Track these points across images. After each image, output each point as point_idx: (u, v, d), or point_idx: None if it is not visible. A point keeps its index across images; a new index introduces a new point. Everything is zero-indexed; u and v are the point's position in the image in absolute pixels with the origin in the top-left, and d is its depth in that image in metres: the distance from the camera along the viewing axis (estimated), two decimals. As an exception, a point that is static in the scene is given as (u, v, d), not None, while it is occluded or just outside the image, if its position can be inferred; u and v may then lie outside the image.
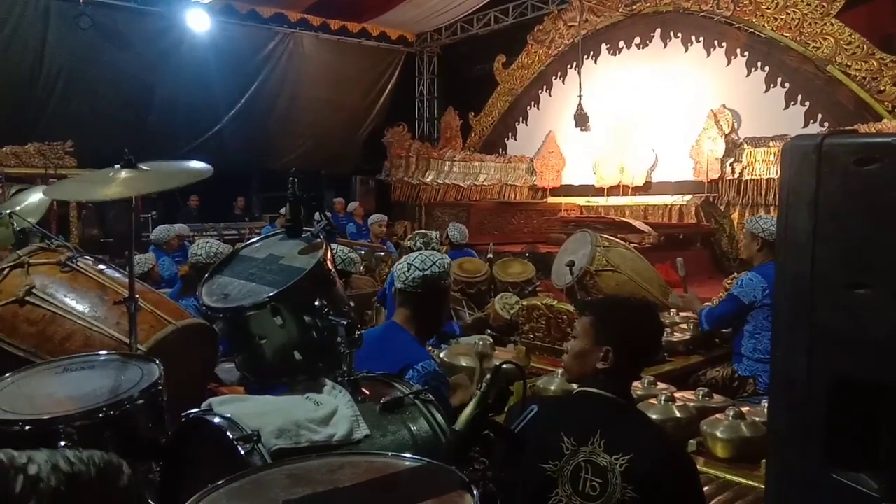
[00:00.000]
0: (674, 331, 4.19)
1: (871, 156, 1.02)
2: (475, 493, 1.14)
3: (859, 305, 1.04)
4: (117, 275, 2.84)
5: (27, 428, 1.58)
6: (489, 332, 4.66)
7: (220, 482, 1.20)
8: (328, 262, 1.92)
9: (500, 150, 13.70)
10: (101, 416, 1.63)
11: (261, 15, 12.28)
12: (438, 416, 1.75)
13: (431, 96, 15.33)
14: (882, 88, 8.42)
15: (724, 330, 4.05)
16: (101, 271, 2.76)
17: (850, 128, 6.74)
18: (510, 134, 13.70)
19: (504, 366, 1.33)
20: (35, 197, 3.77)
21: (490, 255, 5.94)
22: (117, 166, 2.13)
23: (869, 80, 8.52)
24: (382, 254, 7.63)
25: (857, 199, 1.04)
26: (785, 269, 1.14)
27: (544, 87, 12.96)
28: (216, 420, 1.55)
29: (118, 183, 2.06)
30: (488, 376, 1.29)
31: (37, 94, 10.49)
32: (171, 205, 11.05)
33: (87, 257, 2.82)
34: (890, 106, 8.35)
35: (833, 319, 1.08)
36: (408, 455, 1.29)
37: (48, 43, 10.31)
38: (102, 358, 1.98)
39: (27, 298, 2.54)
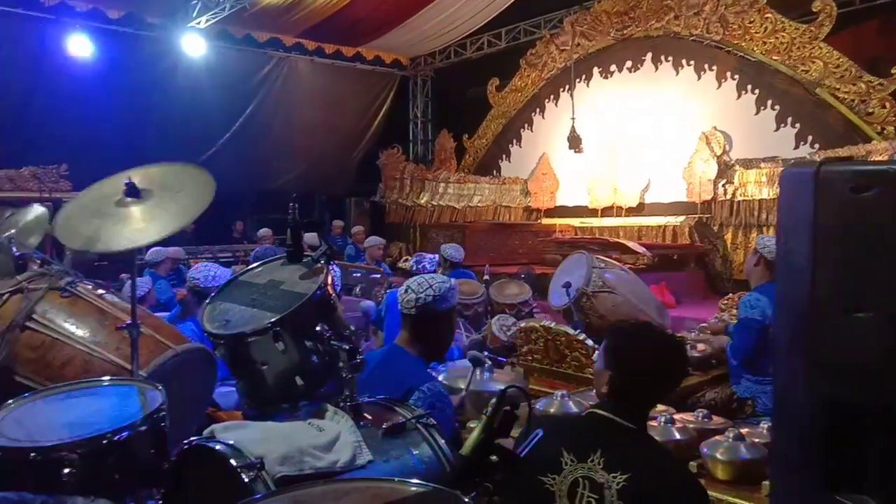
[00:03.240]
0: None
1: (867, 183, 1.05)
2: (482, 518, 1.15)
3: (857, 329, 1.06)
4: (116, 299, 2.84)
5: (31, 455, 1.57)
6: (486, 353, 4.66)
7: (228, 509, 1.20)
8: (329, 287, 1.93)
9: (494, 171, 13.79)
10: (104, 442, 1.62)
11: (256, 39, 12.38)
12: (441, 441, 1.76)
13: (425, 119, 15.45)
14: (871, 111, 8.53)
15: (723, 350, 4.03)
16: (100, 296, 2.76)
17: (845, 155, 6.83)
18: (504, 156, 13.79)
19: (509, 389, 1.34)
20: (31, 215, 3.78)
21: (487, 277, 5.96)
22: (124, 197, 2.15)
23: (858, 102, 8.64)
24: (378, 276, 7.63)
25: (854, 224, 1.07)
26: (784, 293, 1.16)
27: (537, 110, 13.08)
28: (219, 447, 1.55)
29: (132, 224, 2.08)
30: (493, 400, 1.30)
31: (32, 117, 10.50)
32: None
33: (87, 282, 2.82)
34: (879, 128, 8.45)
35: (832, 343, 1.09)
36: (414, 481, 1.30)
37: (43, 67, 10.36)
38: (105, 383, 1.98)
39: (27, 324, 2.54)
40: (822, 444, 1.11)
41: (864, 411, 1.07)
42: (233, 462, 1.48)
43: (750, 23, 9.61)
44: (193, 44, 11.06)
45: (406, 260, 8.59)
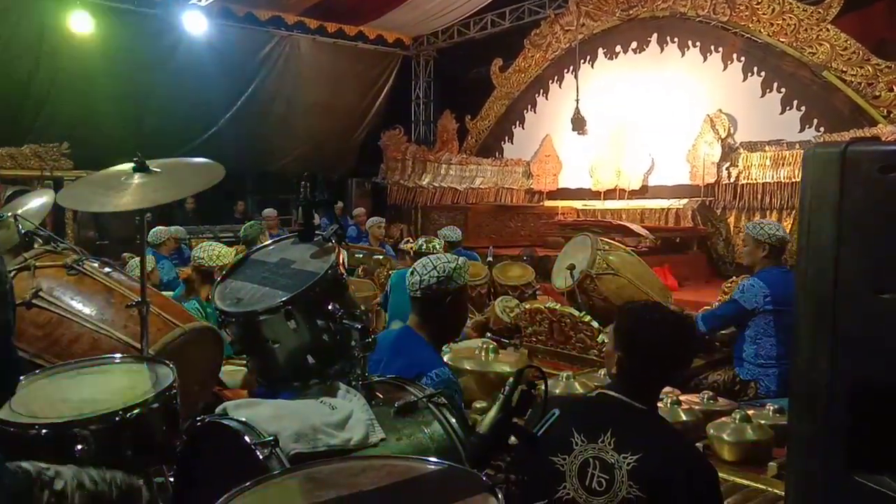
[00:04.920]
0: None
1: (895, 163, 1.04)
2: (499, 496, 1.15)
3: (882, 310, 1.06)
4: (123, 277, 2.84)
5: (43, 432, 1.57)
6: (489, 335, 4.66)
7: (247, 485, 1.20)
8: (340, 267, 1.92)
9: (497, 153, 13.72)
10: (117, 419, 1.63)
11: (258, 17, 12.26)
12: (452, 420, 1.76)
13: (428, 99, 15.34)
14: (877, 94, 8.46)
15: (722, 332, 4.06)
16: (107, 274, 2.75)
17: (870, 137, 6.76)
18: (507, 137, 13.72)
19: (527, 369, 1.34)
20: (38, 202, 3.76)
21: (490, 259, 5.95)
22: (129, 167, 2.13)
23: (864, 85, 8.57)
24: (380, 257, 7.62)
25: (881, 205, 1.06)
26: (806, 274, 1.15)
27: (541, 91, 12.99)
28: (233, 424, 1.55)
29: (131, 190, 2.05)
30: (510, 380, 1.30)
31: (33, 95, 10.43)
32: (167, 206, 10.96)
33: (93, 260, 2.81)
34: (885, 111, 8.39)
35: (855, 324, 1.09)
36: (432, 459, 1.30)
37: (44, 44, 10.26)
38: (116, 361, 1.98)
39: (34, 301, 2.53)
40: (842, 426, 1.11)
41: (887, 392, 1.06)
42: (247, 439, 1.48)
43: (757, 4, 9.51)
44: (195, 21, 10.95)
45: (408, 241, 8.58)
